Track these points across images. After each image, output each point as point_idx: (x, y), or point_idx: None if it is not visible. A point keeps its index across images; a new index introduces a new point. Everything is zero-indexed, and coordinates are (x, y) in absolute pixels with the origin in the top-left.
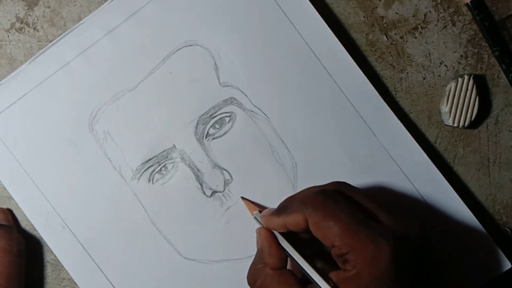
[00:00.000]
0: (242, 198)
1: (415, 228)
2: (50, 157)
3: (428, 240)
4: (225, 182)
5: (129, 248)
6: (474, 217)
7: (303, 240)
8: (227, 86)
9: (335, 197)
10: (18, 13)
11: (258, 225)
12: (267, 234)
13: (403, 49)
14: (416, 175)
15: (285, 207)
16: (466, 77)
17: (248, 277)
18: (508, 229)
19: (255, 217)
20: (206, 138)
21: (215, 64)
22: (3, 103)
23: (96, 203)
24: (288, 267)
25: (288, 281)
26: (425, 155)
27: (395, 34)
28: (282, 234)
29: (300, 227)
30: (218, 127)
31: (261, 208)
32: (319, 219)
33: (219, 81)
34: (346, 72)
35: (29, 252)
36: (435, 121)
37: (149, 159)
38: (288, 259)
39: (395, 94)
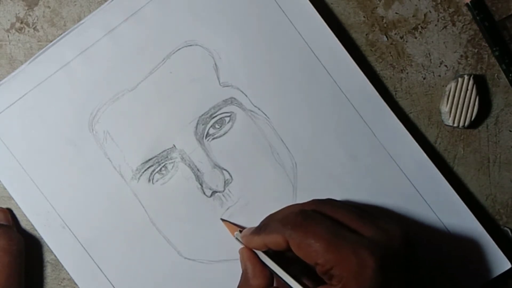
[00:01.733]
0: (222, 219)
1: (398, 237)
2: (50, 157)
3: (413, 247)
4: (225, 182)
5: (129, 248)
6: (474, 217)
7: (290, 258)
8: (227, 86)
9: (314, 216)
10: (18, 13)
11: (240, 246)
12: (250, 255)
13: (403, 49)
14: (416, 175)
15: (265, 226)
16: (466, 77)
17: None
18: (508, 229)
19: (236, 238)
20: (206, 138)
21: (215, 64)
22: (3, 103)
23: (96, 203)
24: (275, 285)
25: None
26: (425, 155)
27: (395, 34)
28: (266, 252)
29: (280, 246)
30: (218, 127)
31: (241, 228)
32: (300, 240)
33: (219, 81)
34: (346, 72)
35: (29, 252)
36: (435, 121)
37: (149, 159)
38: (275, 277)
39: (395, 94)
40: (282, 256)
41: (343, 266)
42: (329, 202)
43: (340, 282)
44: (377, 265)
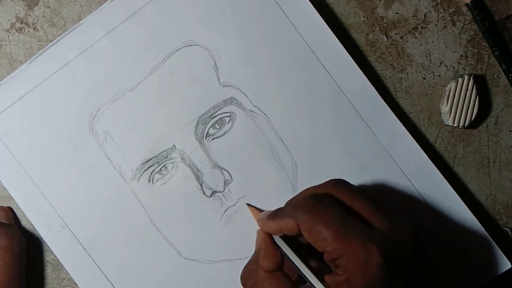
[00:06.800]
0: (248, 204)
1: (408, 231)
2: (50, 157)
3: (420, 241)
4: (225, 182)
5: (129, 248)
6: (474, 217)
7: (302, 244)
8: (227, 86)
9: (326, 202)
10: (18, 13)
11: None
12: (266, 236)
13: (403, 49)
14: (416, 175)
15: (279, 211)
16: (466, 77)
17: (241, 276)
18: (508, 229)
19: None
20: (206, 138)
21: (215, 64)
22: (3, 103)
23: (96, 203)
24: (284, 269)
25: (280, 282)
26: (425, 155)
27: (395, 34)
28: (283, 237)
29: (292, 231)
30: (218, 127)
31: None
32: (310, 225)
33: (219, 81)
34: (346, 72)
35: (29, 252)
36: (435, 121)
37: (149, 159)
38: (285, 261)
39: (395, 94)
40: (297, 242)
41: (350, 258)
42: (345, 186)
43: (345, 272)
44: (383, 259)
